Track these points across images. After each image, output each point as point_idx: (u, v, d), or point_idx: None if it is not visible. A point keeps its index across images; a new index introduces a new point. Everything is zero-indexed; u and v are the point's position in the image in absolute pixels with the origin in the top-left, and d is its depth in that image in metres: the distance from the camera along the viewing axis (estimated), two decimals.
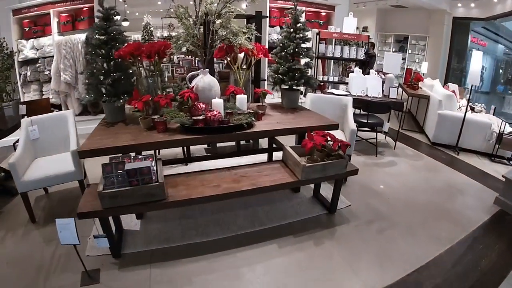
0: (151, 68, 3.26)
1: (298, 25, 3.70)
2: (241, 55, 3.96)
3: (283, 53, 3.70)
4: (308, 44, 3.84)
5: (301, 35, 3.69)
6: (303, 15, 3.90)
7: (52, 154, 3.74)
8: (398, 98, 5.84)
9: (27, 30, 6.39)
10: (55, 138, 3.76)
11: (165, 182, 2.69)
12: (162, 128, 2.94)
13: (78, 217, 2.37)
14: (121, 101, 3.18)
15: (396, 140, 5.71)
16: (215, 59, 5.06)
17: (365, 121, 4.97)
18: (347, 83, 6.35)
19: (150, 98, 3.07)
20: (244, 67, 3.63)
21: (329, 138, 3.00)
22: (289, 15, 3.75)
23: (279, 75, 3.71)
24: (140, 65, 3.19)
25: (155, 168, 2.65)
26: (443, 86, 7.01)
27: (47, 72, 6.24)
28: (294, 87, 3.74)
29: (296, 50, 3.65)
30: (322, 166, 2.93)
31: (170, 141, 2.79)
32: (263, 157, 4.45)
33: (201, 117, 2.87)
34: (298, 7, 3.68)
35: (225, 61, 3.57)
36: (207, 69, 3.34)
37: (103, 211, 2.44)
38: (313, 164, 2.89)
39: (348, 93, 5.62)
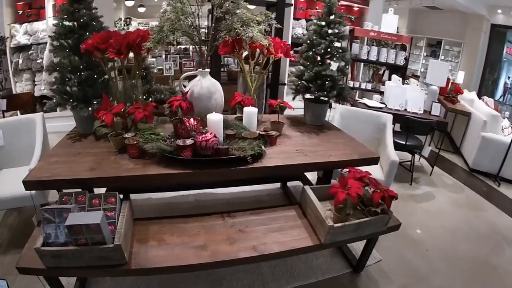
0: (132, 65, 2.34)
1: (332, 17, 2.71)
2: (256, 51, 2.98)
3: (310, 53, 2.72)
4: (343, 43, 2.84)
5: (336, 30, 2.70)
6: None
7: (19, 165, 2.96)
8: (441, 116, 4.79)
9: (20, 13, 5.63)
10: (23, 146, 2.99)
11: (132, 233, 1.90)
12: (135, 153, 2.04)
13: (18, 271, 1.67)
14: (89, 109, 2.29)
15: (434, 165, 4.69)
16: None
17: (403, 142, 3.96)
18: (381, 92, 5.30)
19: (123, 109, 2.13)
20: (258, 67, 2.65)
21: (367, 181, 2.04)
22: (322, 2, 2.77)
23: (304, 82, 2.73)
24: (111, 63, 2.27)
25: (116, 215, 1.81)
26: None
27: (39, 61, 5.50)
28: (322, 98, 2.77)
29: (328, 50, 2.67)
30: (356, 225, 1.97)
31: (140, 176, 1.89)
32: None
33: (188, 142, 1.93)
34: None
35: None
36: (208, 70, 2.39)
37: (46, 270, 1.67)
38: (344, 224, 1.93)
39: (383, 105, 4.60)
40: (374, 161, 2.35)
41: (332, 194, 1.95)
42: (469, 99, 5.98)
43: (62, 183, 1.84)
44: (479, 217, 3.67)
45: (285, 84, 5.31)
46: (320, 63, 2.74)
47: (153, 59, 6.41)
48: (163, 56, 6.83)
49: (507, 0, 8.62)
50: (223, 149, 1.94)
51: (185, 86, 2.51)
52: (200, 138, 1.92)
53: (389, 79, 5.70)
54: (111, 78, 2.26)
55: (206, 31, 2.44)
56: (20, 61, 5.57)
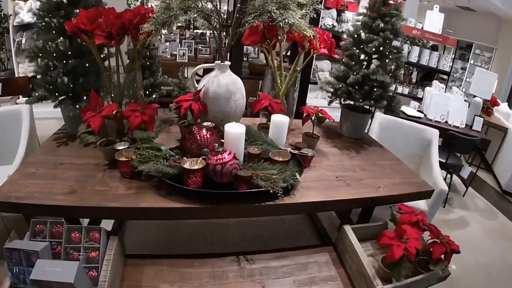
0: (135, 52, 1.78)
1: (385, 8, 2.14)
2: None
3: (357, 52, 2.15)
4: (397, 43, 2.27)
5: (390, 26, 2.12)
6: None
7: (3, 162, 2.51)
8: (482, 132, 4.19)
9: None
10: (8, 140, 2.52)
11: (121, 278, 1.44)
12: (128, 172, 1.51)
13: None
14: (77, 107, 1.78)
15: (469, 186, 4.11)
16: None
17: (444, 160, 3.38)
18: (419, 99, 4.66)
19: (115, 111, 1.60)
20: (285, 61, 2.05)
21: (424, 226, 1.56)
22: None
23: (346, 86, 2.16)
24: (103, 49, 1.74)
25: (100, 258, 1.36)
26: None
27: None
28: (366, 107, 2.21)
29: (381, 49, 2.09)
30: (407, 285, 1.44)
31: (131, 210, 1.38)
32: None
33: (197, 164, 1.39)
34: None
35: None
36: (227, 63, 1.83)
37: None
38: (395, 285, 1.40)
39: (421, 115, 4.01)
40: (428, 194, 1.81)
41: (384, 245, 1.42)
42: (505, 112, 5.33)
43: (34, 209, 1.35)
44: None
45: (315, 83, 4.67)
46: (366, 64, 2.17)
47: (167, 43, 5.84)
48: (177, 40, 6.24)
49: None
50: (246, 177, 1.39)
51: (198, 81, 1.95)
52: (215, 159, 1.38)
53: (420, 82, 5.05)
54: (103, 68, 1.71)
55: (225, 16, 1.85)
56: (23, 41, 5.08)
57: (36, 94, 1.90)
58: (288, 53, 3.89)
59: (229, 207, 1.43)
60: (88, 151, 1.75)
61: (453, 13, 10.65)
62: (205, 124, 1.80)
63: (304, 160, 1.72)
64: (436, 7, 5.16)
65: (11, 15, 5.19)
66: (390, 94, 2.19)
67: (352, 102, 2.24)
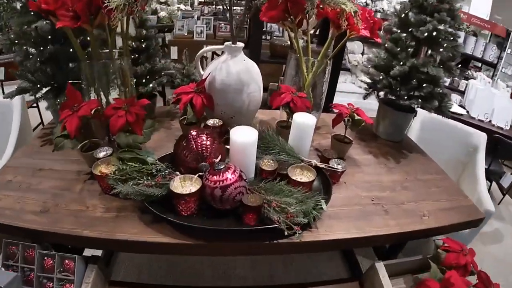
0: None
1: None
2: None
3: (403, 37, 1.69)
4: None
5: (447, 5, 1.65)
6: None
7: None
8: None
9: None
10: (2, 134, 2.23)
11: None
12: (108, 188, 1.15)
13: None
14: (57, 101, 1.44)
15: (506, 194, 3.61)
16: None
17: (486, 166, 2.90)
18: (460, 92, 4.09)
19: (94, 109, 1.23)
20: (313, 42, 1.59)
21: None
22: None
23: (389, 78, 1.71)
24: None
25: None
26: None
27: None
28: (412, 106, 1.77)
29: (434, 35, 1.62)
30: None
31: (106, 241, 1.05)
32: None
33: (192, 185, 1.02)
34: None
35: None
36: (240, 45, 1.42)
37: None
38: None
39: (463, 111, 3.49)
40: (477, 223, 1.40)
41: None
42: None
43: (3, 230, 1.11)
44: None
45: (348, 69, 4.09)
46: (413, 51, 1.71)
47: (184, 20, 5.40)
48: (195, 16, 5.77)
49: None
50: (254, 206, 1.00)
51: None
52: (214, 180, 0.99)
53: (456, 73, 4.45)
54: (81, 55, 1.31)
55: None
56: None
57: (16, 87, 1.57)
58: (317, 32, 3.27)
59: (231, 245, 1.05)
60: (73, 153, 1.40)
61: None
62: (210, 122, 1.41)
63: (332, 176, 1.31)
64: None
65: None
66: (443, 93, 1.73)
67: (392, 97, 1.79)
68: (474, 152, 2.36)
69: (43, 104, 1.59)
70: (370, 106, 2.07)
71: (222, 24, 5.42)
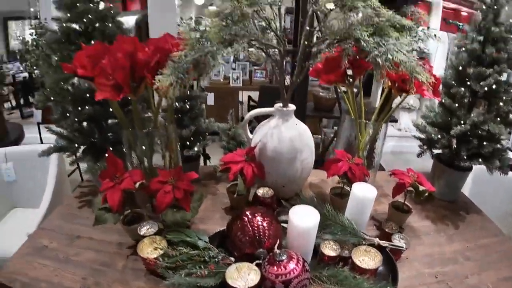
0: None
1: (496, 29, 1.50)
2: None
3: (462, 91, 1.53)
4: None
5: (505, 54, 1.49)
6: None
7: (34, 204, 2.33)
8: None
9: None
10: (39, 181, 2.32)
11: None
12: (153, 270, 1.02)
13: None
14: (97, 165, 1.40)
15: None
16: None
17: None
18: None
19: (138, 182, 1.11)
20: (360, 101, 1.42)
21: None
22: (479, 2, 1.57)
23: (448, 137, 1.54)
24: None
25: None
26: None
27: None
28: (468, 165, 1.59)
29: (495, 88, 1.47)
30: None
31: None
32: None
33: (249, 278, 0.87)
34: None
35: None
36: (292, 108, 1.30)
37: None
38: None
39: None
40: None
41: None
42: None
43: None
44: None
45: (395, 121, 3.86)
46: (469, 105, 1.55)
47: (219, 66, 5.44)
48: (231, 60, 5.78)
49: None
50: None
51: (251, 128, 1.43)
52: (275, 272, 0.85)
53: None
54: (124, 123, 1.21)
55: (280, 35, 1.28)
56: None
57: (52, 145, 1.50)
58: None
59: None
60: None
61: None
62: (260, 191, 1.28)
63: (394, 252, 1.14)
64: None
65: None
66: (500, 147, 1.55)
67: (450, 156, 1.61)
68: None
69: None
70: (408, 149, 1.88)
71: (257, 70, 5.43)
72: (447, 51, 5.35)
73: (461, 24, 5.44)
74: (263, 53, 1.17)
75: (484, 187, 2.22)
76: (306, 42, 1.18)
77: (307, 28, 1.17)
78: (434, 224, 1.50)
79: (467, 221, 1.56)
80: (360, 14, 1.08)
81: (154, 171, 1.24)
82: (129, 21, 4.41)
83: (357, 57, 1.14)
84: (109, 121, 1.45)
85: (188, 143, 1.49)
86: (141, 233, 1.10)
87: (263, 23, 1.12)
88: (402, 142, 5.16)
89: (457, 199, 1.74)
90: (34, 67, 5.29)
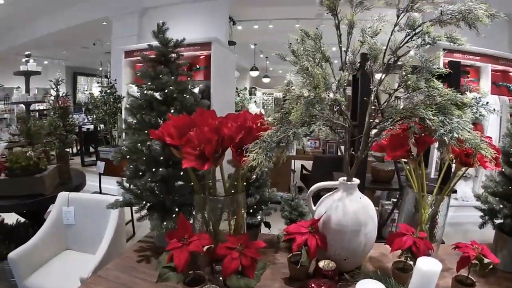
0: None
1: None
2: None
3: None
4: None
5: None
6: None
7: (86, 249, 2.49)
8: None
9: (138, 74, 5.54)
10: (95, 229, 2.45)
11: None
12: None
13: None
14: (163, 224, 1.42)
15: None
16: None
17: None
18: None
19: (206, 246, 1.14)
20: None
21: None
22: None
23: (511, 206, 1.50)
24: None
25: None
26: None
27: None
28: None
29: None
30: None
31: None
32: None
33: None
34: None
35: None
36: (357, 181, 1.31)
37: None
38: None
39: None
40: None
41: None
42: None
43: None
44: None
45: (455, 191, 3.79)
46: None
47: None
48: None
49: None
50: None
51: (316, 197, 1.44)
52: None
53: None
54: (198, 188, 1.26)
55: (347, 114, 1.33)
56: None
57: (121, 199, 1.56)
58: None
59: None
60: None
61: None
62: (321, 263, 1.27)
63: None
64: None
65: (124, 96, 5.59)
66: None
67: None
68: None
69: None
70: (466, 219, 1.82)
71: (311, 140, 5.62)
72: (500, 114, 5.31)
73: (510, 85, 5.40)
74: (330, 131, 1.22)
75: None
76: (371, 120, 1.22)
77: (372, 107, 1.21)
78: None
79: None
80: (423, 96, 1.12)
81: (220, 236, 1.26)
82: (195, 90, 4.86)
83: (422, 134, 1.16)
84: (178, 182, 1.52)
85: (251, 211, 1.52)
86: None
87: (334, 105, 1.17)
88: (460, 212, 4.90)
89: None
90: (100, 121, 5.72)
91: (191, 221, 1.34)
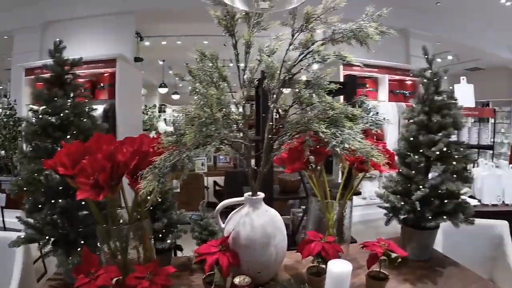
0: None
1: (439, 98, 1.72)
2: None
3: (416, 158, 1.68)
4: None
5: (451, 118, 1.68)
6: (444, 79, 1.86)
7: None
8: None
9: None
10: (1, 270, 2.11)
11: None
12: None
13: None
14: (69, 259, 1.37)
15: None
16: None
17: None
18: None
19: (114, 278, 1.13)
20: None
21: None
22: (419, 77, 1.79)
23: (410, 203, 1.66)
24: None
25: None
26: None
27: None
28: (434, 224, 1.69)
29: (445, 150, 1.63)
30: None
31: None
32: None
33: None
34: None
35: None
36: (261, 195, 1.37)
37: None
38: None
39: (476, 202, 3.51)
40: None
41: None
42: None
43: None
44: None
45: (359, 193, 4.13)
46: (426, 169, 1.70)
47: None
48: None
49: None
50: None
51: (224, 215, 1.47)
52: None
53: None
54: (99, 219, 1.24)
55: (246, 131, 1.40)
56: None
57: (22, 236, 1.47)
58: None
59: None
60: None
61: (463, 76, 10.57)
62: (237, 280, 1.30)
63: None
64: (463, 79, 4.81)
65: (24, 120, 4.97)
66: (465, 203, 1.69)
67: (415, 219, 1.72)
68: (500, 243, 2.32)
69: None
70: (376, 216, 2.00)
71: (222, 156, 5.66)
72: (398, 119, 6.00)
73: (407, 92, 6.13)
74: (230, 149, 1.27)
75: (456, 239, 2.33)
76: (270, 136, 1.29)
77: (270, 123, 1.28)
78: (413, 285, 1.55)
79: (445, 275, 1.64)
80: (315, 111, 1.21)
81: (129, 266, 1.25)
82: (97, 109, 4.59)
83: (317, 146, 1.25)
84: (82, 212, 1.46)
85: (160, 235, 1.52)
86: None
87: (231, 124, 1.23)
88: (369, 210, 5.52)
89: (431, 257, 1.82)
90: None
91: (98, 253, 1.31)
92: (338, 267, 1.25)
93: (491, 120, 9.38)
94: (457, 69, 9.68)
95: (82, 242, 1.42)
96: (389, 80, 6.12)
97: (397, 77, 6.24)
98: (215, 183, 6.13)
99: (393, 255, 1.39)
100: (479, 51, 8.22)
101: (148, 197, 1.08)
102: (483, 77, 9.93)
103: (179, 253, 1.75)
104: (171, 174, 1.07)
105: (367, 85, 6.19)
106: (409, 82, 6.40)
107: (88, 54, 4.44)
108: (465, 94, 4.76)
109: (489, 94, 9.73)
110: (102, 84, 5.28)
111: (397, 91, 6.16)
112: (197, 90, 1.19)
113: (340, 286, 1.26)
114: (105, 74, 5.27)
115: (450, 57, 9.08)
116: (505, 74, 9.45)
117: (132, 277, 1.15)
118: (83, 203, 1.42)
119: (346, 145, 1.13)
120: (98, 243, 1.27)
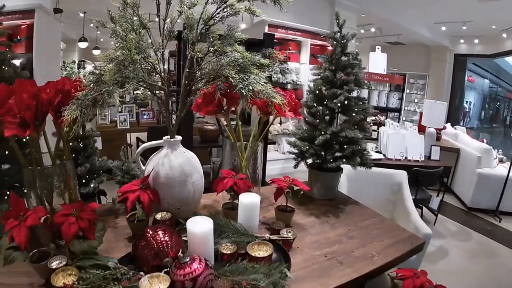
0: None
1: (345, 58, 2.03)
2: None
3: (321, 109, 2.00)
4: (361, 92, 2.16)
5: (353, 77, 2.01)
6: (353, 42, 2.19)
7: None
8: (441, 160, 4.34)
9: None
10: None
11: None
12: None
13: None
14: None
15: (438, 214, 4.19)
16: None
17: (413, 197, 3.34)
18: (374, 139, 4.69)
19: (43, 217, 1.26)
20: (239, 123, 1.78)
21: None
22: (330, 39, 2.08)
23: (315, 147, 1.98)
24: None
25: None
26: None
27: None
28: (337, 166, 2.04)
29: (347, 103, 1.96)
30: None
31: None
32: None
33: (160, 284, 1.10)
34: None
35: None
36: (179, 138, 1.58)
37: None
38: None
39: (381, 156, 4.04)
40: (421, 247, 1.67)
41: None
42: (452, 134, 5.76)
43: None
44: (498, 264, 3.58)
45: (274, 143, 4.57)
46: (330, 119, 2.02)
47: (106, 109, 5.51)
48: (117, 104, 5.91)
49: (469, 30, 8.78)
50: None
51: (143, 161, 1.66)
52: (182, 273, 1.09)
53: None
54: (23, 161, 1.36)
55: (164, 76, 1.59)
56: None
57: None
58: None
59: None
60: (19, 264, 1.35)
61: (384, 49, 11.44)
62: (158, 216, 1.51)
63: (285, 244, 1.47)
64: (378, 48, 5.37)
65: None
66: (363, 150, 2.05)
67: (319, 162, 2.06)
68: (399, 189, 2.75)
69: None
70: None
71: (144, 112, 5.63)
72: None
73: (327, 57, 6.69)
74: (149, 93, 1.45)
75: (362, 184, 2.76)
76: (186, 82, 1.49)
77: (187, 70, 1.48)
78: (318, 218, 1.86)
79: (346, 212, 1.98)
80: (228, 59, 1.44)
81: (55, 210, 1.39)
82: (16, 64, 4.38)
83: (228, 90, 1.48)
84: (4, 166, 1.54)
85: (83, 181, 1.66)
86: (53, 267, 1.23)
87: (149, 67, 1.40)
88: (287, 163, 6.07)
89: (335, 197, 2.16)
90: None
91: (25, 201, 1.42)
92: (248, 199, 1.50)
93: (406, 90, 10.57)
94: (380, 41, 10.55)
95: (8, 193, 1.51)
96: (311, 45, 6.61)
97: (318, 42, 6.70)
98: (138, 139, 6.09)
99: (296, 188, 1.69)
100: (401, 27, 8.96)
101: (72, 130, 1.22)
102: (403, 51, 10.94)
103: (103, 201, 1.89)
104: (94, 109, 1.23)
105: (290, 48, 6.70)
106: (330, 48, 6.80)
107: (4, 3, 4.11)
108: (378, 61, 5.36)
109: (408, 67, 10.80)
110: (19, 37, 4.97)
111: (318, 55, 6.61)
112: (117, 33, 1.34)
113: (251, 215, 1.52)
114: (23, 26, 5.00)
115: (373, 29, 9.78)
116: (422, 50, 10.44)
117: (59, 215, 1.28)
118: (6, 152, 1.51)
119: (251, 87, 1.36)
120: (25, 189, 1.38)
